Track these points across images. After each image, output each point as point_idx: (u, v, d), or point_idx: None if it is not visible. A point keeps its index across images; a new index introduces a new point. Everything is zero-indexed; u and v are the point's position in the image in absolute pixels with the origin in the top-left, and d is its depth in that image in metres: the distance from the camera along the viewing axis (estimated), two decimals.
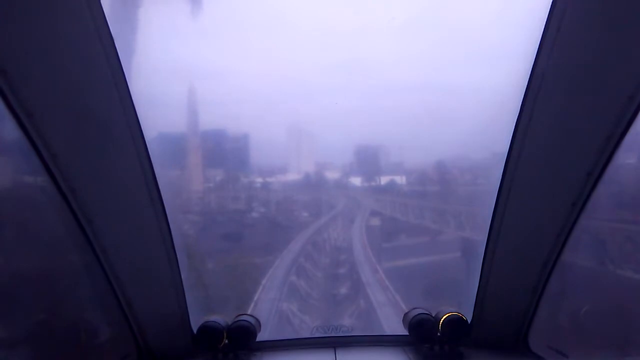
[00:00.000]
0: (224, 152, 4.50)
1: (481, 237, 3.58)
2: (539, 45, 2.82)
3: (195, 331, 3.67)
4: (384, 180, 4.85)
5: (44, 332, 2.92)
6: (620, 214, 3.30)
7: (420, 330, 3.74)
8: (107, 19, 2.63)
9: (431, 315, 3.79)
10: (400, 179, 4.85)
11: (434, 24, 3.55)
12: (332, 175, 4.75)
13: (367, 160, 4.67)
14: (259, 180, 4.71)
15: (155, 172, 3.19)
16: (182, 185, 4.32)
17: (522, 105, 3.04)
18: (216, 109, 4.05)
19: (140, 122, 3.01)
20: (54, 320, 3.01)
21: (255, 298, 4.45)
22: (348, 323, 4.39)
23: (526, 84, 2.97)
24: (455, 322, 3.66)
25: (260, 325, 3.82)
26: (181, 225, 3.84)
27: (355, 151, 4.65)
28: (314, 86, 3.91)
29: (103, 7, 2.58)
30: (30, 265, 2.81)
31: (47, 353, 2.93)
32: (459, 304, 3.84)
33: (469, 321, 3.75)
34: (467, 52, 3.64)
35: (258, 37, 3.60)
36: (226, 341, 3.61)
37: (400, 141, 4.35)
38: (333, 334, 4.02)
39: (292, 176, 4.76)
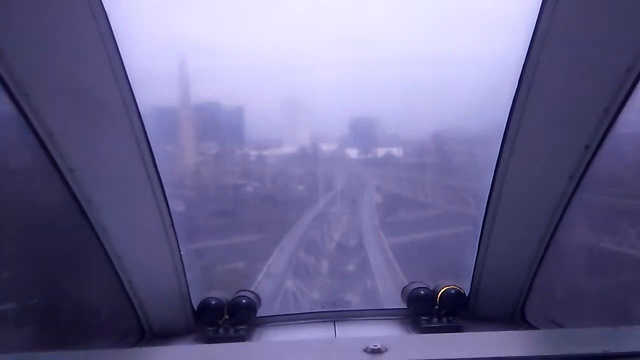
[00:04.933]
0: (220, 126, 4.53)
1: (479, 211, 3.68)
2: (538, 17, 2.86)
3: (195, 307, 3.81)
4: (380, 153, 4.89)
5: (45, 310, 3.03)
6: (618, 188, 3.38)
7: (419, 303, 3.88)
8: None
9: (429, 289, 3.92)
10: (397, 152, 4.90)
11: None
12: (329, 147, 4.80)
13: (364, 133, 4.72)
14: (259, 153, 4.75)
15: (153, 149, 3.26)
16: (179, 162, 4.38)
17: (520, 77, 3.10)
18: (211, 83, 4.07)
19: (137, 99, 3.08)
20: (56, 299, 3.11)
21: (255, 274, 4.55)
22: (347, 297, 4.50)
23: (525, 55, 3.03)
24: (453, 295, 3.79)
25: (260, 301, 3.94)
26: (179, 202, 3.91)
27: (351, 124, 4.69)
28: (309, 59, 3.92)
29: None
30: (31, 245, 2.89)
31: (49, 331, 3.04)
32: (457, 277, 3.97)
33: (467, 294, 3.89)
34: (465, 23, 3.65)
35: (253, 10, 3.60)
36: (227, 317, 3.75)
37: (396, 113, 4.38)
38: (332, 309, 4.15)
39: (291, 150, 4.81)
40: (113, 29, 2.80)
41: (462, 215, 4.61)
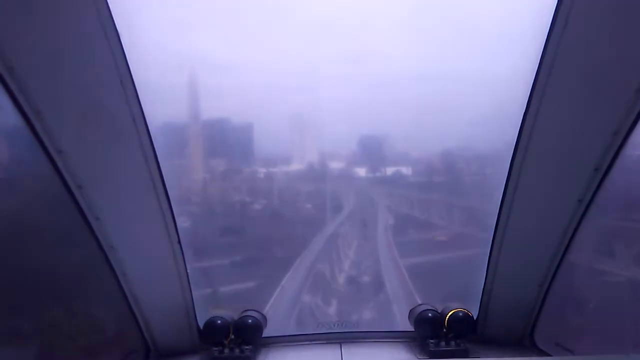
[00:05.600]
0: (229, 143, 4.57)
1: (488, 233, 3.68)
2: (546, 38, 2.89)
3: (201, 326, 3.81)
4: (389, 171, 4.89)
5: (51, 327, 3.05)
6: (628, 212, 3.37)
7: (426, 326, 3.85)
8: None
9: (437, 311, 3.90)
10: (407, 170, 4.90)
11: (441, 13, 3.59)
12: (338, 165, 4.80)
13: (373, 151, 4.72)
14: (268, 171, 4.77)
15: (161, 167, 3.30)
16: (188, 180, 4.42)
17: (529, 99, 3.12)
18: (221, 100, 4.12)
19: (146, 116, 3.12)
20: (62, 316, 3.13)
21: (261, 293, 4.55)
22: (354, 319, 4.48)
23: (533, 77, 3.05)
24: (461, 318, 3.77)
25: (266, 321, 3.94)
26: (186, 220, 3.94)
27: (360, 141, 4.70)
28: (319, 76, 3.95)
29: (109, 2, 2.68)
30: (38, 262, 2.92)
31: (55, 348, 3.06)
32: (465, 300, 3.95)
33: (475, 317, 3.88)
34: (475, 42, 3.68)
35: (262, 27, 3.65)
36: (232, 336, 3.74)
37: (406, 131, 4.40)
38: (339, 330, 4.14)
39: (299, 168, 4.82)
40: (124, 47, 2.86)
41: (470, 236, 4.60)
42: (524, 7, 3.19)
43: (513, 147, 3.33)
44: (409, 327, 4.02)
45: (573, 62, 2.89)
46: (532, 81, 3.07)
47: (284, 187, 4.86)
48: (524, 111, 3.18)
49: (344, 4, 3.58)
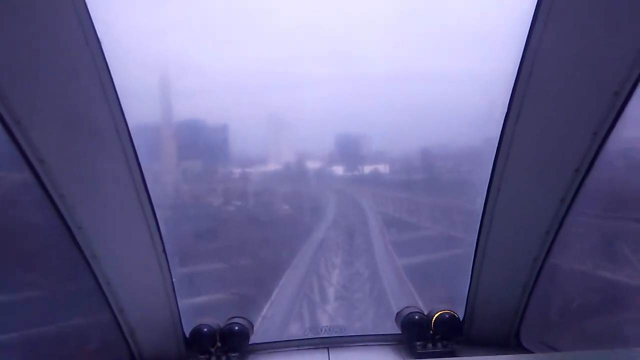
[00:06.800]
0: (204, 144, 4.54)
1: (472, 234, 3.73)
2: (526, 42, 2.97)
3: (187, 335, 3.79)
4: (367, 170, 4.90)
5: (36, 339, 3.02)
6: (608, 210, 3.44)
7: (413, 328, 3.90)
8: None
9: (423, 314, 3.95)
10: (384, 169, 4.91)
11: (419, 13, 3.63)
12: (316, 165, 4.81)
13: (350, 150, 4.74)
14: (244, 171, 4.75)
15: (144, 175, 3.29)
16: (171, 187, 4.40)
17: (510, 100, 3.18)
18: (197, 102, 4.10)
19: (128, 124, 3.11)
20: (46, 328, 3.10)
21: (247, 300, 4.54)
22: (341, 323, 4.50)
23: (514, 80, 3.11)
24: (448, 320, 3.82)
25: (252, 327, 3.95)
26: (171, 227, 3.91)
27: (337, 141, 4.72)
28: (295, 75, 3.96)
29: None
30: (21, 273, 2.90)
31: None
32: (451, 301, 3.99)
33: (461, 318, 3.92)
34: (455, 42, 3.70)
35: (237, 29, 3.66)
36: (219, 344, 3.74)
37: (383, 131, 4.43)
38: (326, 335, 4.16)
39: (276, 168, 4.81)
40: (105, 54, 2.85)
41: (454, 237, 4.64)
42: (505, 10, 3.25)
43: (495, 149, 3.38)
44: (395, 329, 4.05)
45: (553, 64, 2.96)
46: (513, 83, 3.12)
47: (261, 187, 4.85)
48: (505, 113, 3.24)
49: (322, 5, 3.61)
